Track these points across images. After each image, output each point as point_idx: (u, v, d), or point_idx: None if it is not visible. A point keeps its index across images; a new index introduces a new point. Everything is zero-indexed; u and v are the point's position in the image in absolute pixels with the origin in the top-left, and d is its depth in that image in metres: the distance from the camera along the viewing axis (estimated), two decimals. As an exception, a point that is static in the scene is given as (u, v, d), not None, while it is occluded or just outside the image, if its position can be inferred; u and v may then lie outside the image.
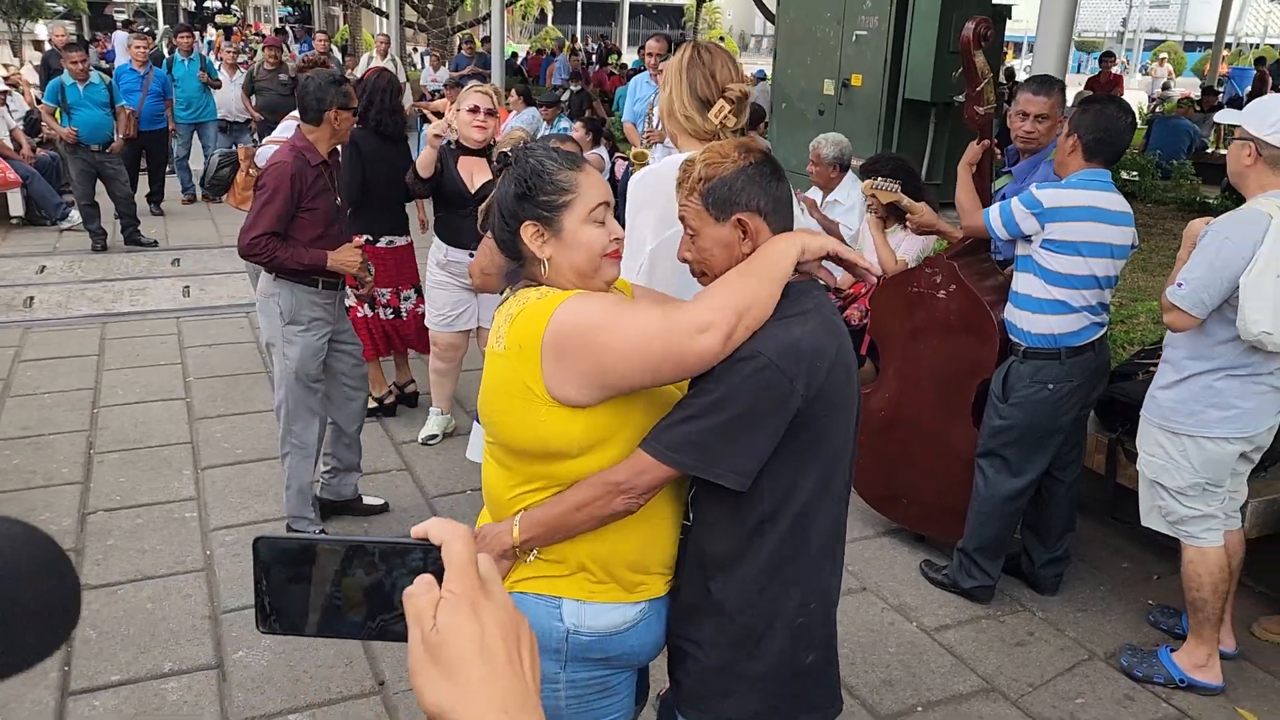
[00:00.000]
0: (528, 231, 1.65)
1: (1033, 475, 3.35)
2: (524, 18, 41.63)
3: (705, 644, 1.72)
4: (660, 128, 2.74)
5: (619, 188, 5.76)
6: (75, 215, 8.63)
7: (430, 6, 16.71)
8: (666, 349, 1.52)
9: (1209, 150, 11.92)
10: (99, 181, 8.11)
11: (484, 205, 1.82)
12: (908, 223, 3.87)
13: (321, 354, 3.62)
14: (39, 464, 4.36)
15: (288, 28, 23.92)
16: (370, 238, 4.64)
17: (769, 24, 13.93)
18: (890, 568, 3.76)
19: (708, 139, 2.23)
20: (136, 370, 5.52)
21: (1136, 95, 21.41)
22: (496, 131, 4.38)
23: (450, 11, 17.63)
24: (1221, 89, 17.52)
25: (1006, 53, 19.70)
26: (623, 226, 1.80)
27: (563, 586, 1.68)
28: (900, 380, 3.77)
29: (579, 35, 33.59)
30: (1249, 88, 17.04)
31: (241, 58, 11.43)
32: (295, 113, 3.86)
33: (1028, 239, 3.17)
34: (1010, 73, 15.65)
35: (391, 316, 4.89)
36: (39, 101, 9.13)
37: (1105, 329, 3.32)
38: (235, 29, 25.31)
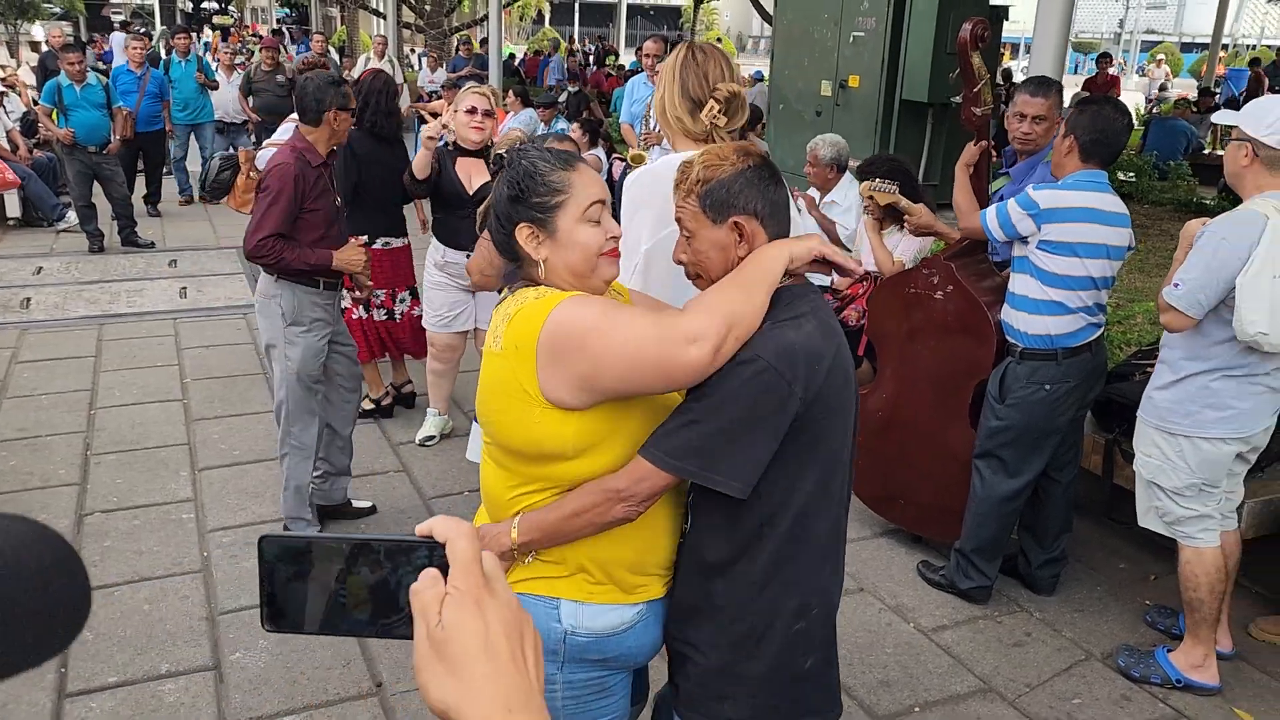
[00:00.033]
0: (522, 234, 1.65)
1: (1029, 476, 3.36)
2: (521, 19, 41.63)
3: (705, 646, 1.72)
4: (658, 129, 2.75)
5: (616, 189, 5.76)
6: (72, 216, 8.62)
7: (428, 8, 16.71)
8: (656, 358, 1.52)
9: (1206, 151, 11.95)
10: (96, 183, 8.10)
11: (483, 207, 1.82)
12: (906, 224, 3.88)
13: (323, 355, 3.63)
14: (36, 465, 4.35)
15: (285, 29, 23.94)
16: (366, 239, 4.63)
17: (766, 25, 13.93)
18: (888, 568, 3.76)
19: (701, 139, 2.23)
20: (133, 371, 5.52)
21: (1133, 96, 21.45)
22: (494, 133, 4.38)
23: (448, 13, 17.64)
24: (1218, 90, 17.55)
25: (1004, 54, 19.72)
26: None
27: (561, 587, 1.68)
28: (898, 381, 3.78)
29: (576, 36, 33.59)
30: (1244, 88, 17.07)
31: (238, 59, 11.43)
32: (294, 115, 3.86)
33: (1024, 240, 3.17)
34: (1007, 74, 15.67)
35: (385, 318, 4.89)
36: (36, 102, 9.11)
37: (1102, 330, 3.32)
38: (232, 30, 25.33)
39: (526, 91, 9.26)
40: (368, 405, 4.93)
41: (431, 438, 4.72)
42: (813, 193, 5.18)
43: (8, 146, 8.94)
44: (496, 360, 1.62)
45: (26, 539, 0.56)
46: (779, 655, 1.70)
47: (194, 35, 12.63)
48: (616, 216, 1.82)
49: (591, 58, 22.67)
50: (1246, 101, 3.56)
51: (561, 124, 8.12)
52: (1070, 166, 3.16)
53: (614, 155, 7.81)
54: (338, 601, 0.72)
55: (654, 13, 48.60)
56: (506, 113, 8.32)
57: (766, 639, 1.69)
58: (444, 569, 0.69)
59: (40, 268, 7.69)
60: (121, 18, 29.43)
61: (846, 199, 5.03)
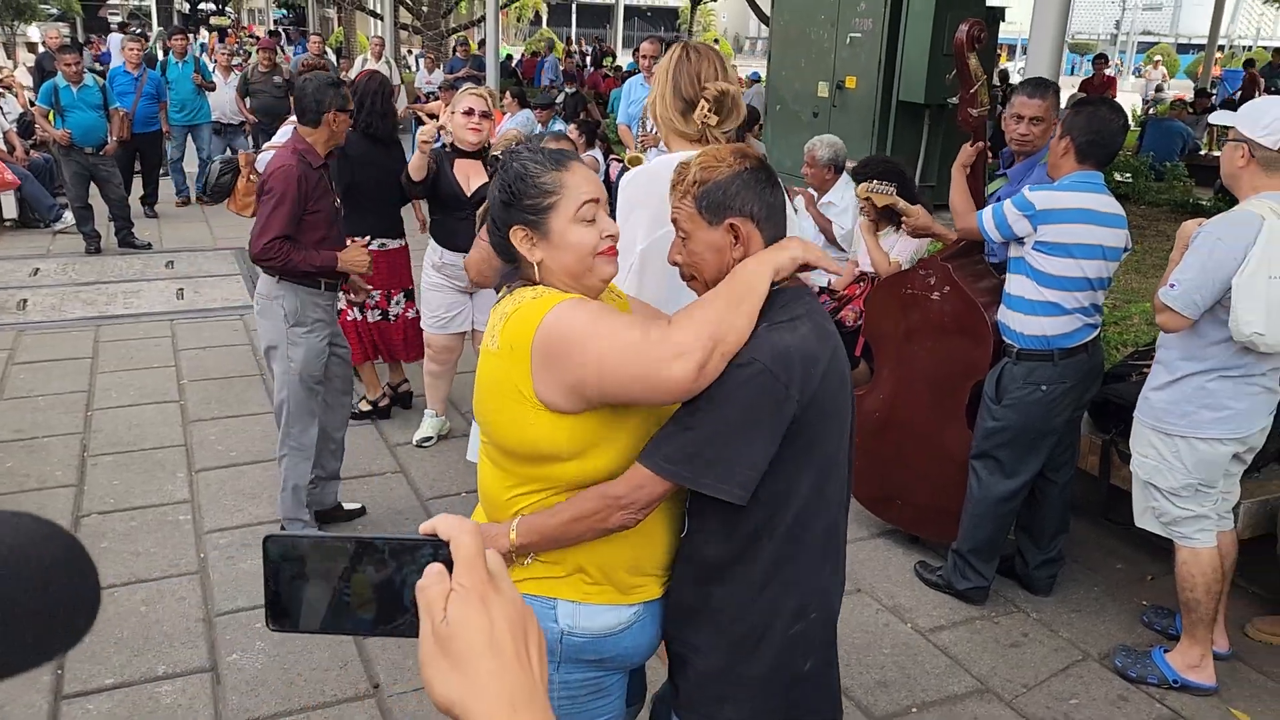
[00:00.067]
0: (517, 236, 1.64)
1: (1026, 476, 3.36)
2: (519, 20, 41.64)
3: (704, 648, 1.72)
4: (655, 131, 2.74)
5: (613, 191, 5.76)
6: (69, 217, 8.61)
7: (425, 9, 16.71)
8: (643, 371, 1.51)
9: (1202, 152, 11.98)
10: (93, 184, 8.09)
11: (483, 208, 1.82)
12: (903, 225, 3.88)
13: (324, 355, 3.63)
14: (32, 467, 4.35)
15: (282, 30, 23.94)
16: (367, 241, 4.63)
17: (763, 26, 13.94)
18: (885, 569, 3.77)
19: (695, 140, 2.23)
20: (130, 373, 5.51)
21: (1130, 97, 21.50)
22: (491, 134, 4.38)
23: (445, 14, 17.63)
24: (1215, 91, 17.60)
25: (1000, 55, 19.75)
26: (616, 227, 1.80)
27: (558, 588, 1.68)
28: (894, 382, 3.78)
29: (574, 37, 33.56)
30: (1238, 89, 17.10)
31: (235, 60, 11.41)
32: (293, 117, 3.86)
33: (1020, 241, 3.18)
34: (1004, 75, 15.69)
35: (379, 319, 4.88)
36: (32, 104, 9.10)
37: (1099, 330, 3.33)
38: (229, 31, 25.31)
39: (524, 93, 9.26)
40: (365, 407, 4.93)
41: (429, 439, 4.71)
42: (811, 192, 5.19)
43: (4, 147, 8.93)
44: (493, 360, 1.62)
45: (33, 537, 0.56)
46: (778, 657, 1.70)
47: (191, 36, 12.62)
48: (613, 216, 1.81)
49: (589, 59, 22.67)
50: (1241, 103, 3.56)
51: (559, 125, 8.12)
52: (1066, 167, 3.16)
53: (611, 156, 7.81)
54: (342, 601, 0.72)
55: (651, 14, 48.63)
56: (504, 114, 8.31)
57: (765, 640, 1.69)
58: (449, 567, 0.69)
59: (37, 269, 7.68)
60: (118, 19, 29.44)
61: (843, 200, 5.04)
